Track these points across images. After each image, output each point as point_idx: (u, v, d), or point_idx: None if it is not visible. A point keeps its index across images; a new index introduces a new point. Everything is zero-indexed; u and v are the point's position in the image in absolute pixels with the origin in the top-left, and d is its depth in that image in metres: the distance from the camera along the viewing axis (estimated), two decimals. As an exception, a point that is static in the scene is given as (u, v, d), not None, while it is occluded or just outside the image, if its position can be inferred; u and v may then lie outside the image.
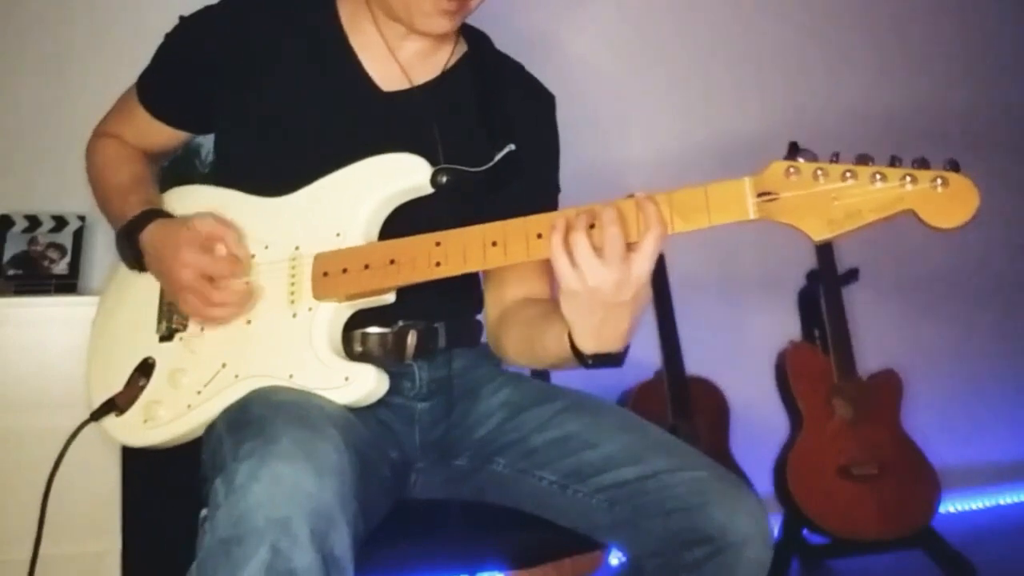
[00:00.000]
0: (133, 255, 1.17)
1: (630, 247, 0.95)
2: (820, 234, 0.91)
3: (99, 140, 1.36)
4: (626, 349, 1.03)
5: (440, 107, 1.23)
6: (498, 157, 1.17)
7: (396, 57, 1.24)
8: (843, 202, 0.90)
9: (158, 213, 1.18)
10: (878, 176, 0.89)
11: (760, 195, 0.93)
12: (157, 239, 1.14)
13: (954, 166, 0.89)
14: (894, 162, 0.90)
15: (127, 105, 1.33)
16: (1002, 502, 2.98)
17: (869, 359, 2.49)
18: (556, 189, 1.34)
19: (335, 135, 1.20)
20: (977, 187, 0.87)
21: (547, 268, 1.28)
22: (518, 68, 1.36)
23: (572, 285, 0.96)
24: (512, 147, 1.18)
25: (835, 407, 2.40)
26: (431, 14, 1.16)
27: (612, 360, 1.02)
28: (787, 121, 2.74)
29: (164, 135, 1.33)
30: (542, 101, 1.35)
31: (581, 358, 1.03)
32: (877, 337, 2.67)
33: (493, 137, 1.20)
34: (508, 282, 1.28)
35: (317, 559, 0.83)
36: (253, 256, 1.15)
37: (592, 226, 0.96)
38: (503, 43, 1.36)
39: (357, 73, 1.23)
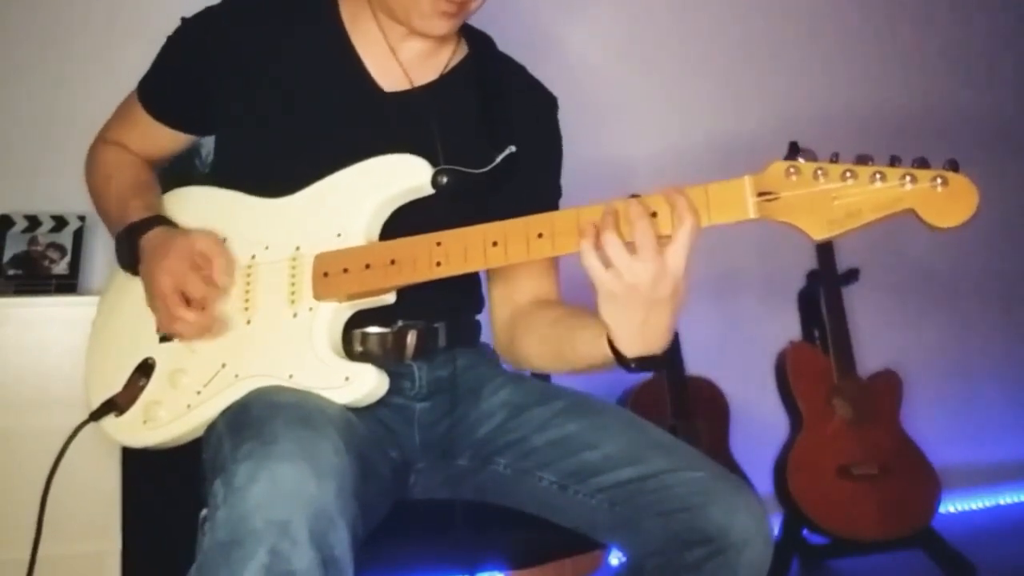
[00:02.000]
0: (131, 258, 1.16)
1: (662, 241, 0.94)
2: (820, 234, 0.91)
3: (100, 146, 1.35)
4: (668, 350, 1.01)
5: (441, 108, 1.23)
6: (499, 159, 1.17)
7: (397, 57, 1.24)
8: (843, 202, 0.90)
9: (163, 220, 1.18)
10: (878, 176, 0.89)
11: (760, 194, 0.93)
12: (155, 243, 1.14)
13: (953, 166, 0.88)
14: (894, 162, 0.90)
15: (128, 110, 1.33)
16: (1002, 502, 2.98)
17: (869, 359, 2.49)
18: (557, 193, 1.33)
19: (337, 135, 1.20)
20: (976, 186, 0.87)
21: (554, 265, 1.28)
22: (520, 70, 1.35)
23: (609, 287, 0.95)
24: (513, 149, 1.18)
25: (835, 407, 2.40)
26: (430, 15, 1.16)
27: (655, 362, 1.00)
28: (787, 121, 2.73)
29: (166, 139, 1.33)
30: (544, 104, 1.35)
31: (623, 361, 1.01)
32: (877, 337, 2.67)
33: (494, 139, 1.20)
34: (518, 280, 1.26)
35: (316, 560, 0.83)
36: (253, 256, 1.15)
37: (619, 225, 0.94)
38: (504, 43, 1.36)
39: (359, 73, 1.23)
